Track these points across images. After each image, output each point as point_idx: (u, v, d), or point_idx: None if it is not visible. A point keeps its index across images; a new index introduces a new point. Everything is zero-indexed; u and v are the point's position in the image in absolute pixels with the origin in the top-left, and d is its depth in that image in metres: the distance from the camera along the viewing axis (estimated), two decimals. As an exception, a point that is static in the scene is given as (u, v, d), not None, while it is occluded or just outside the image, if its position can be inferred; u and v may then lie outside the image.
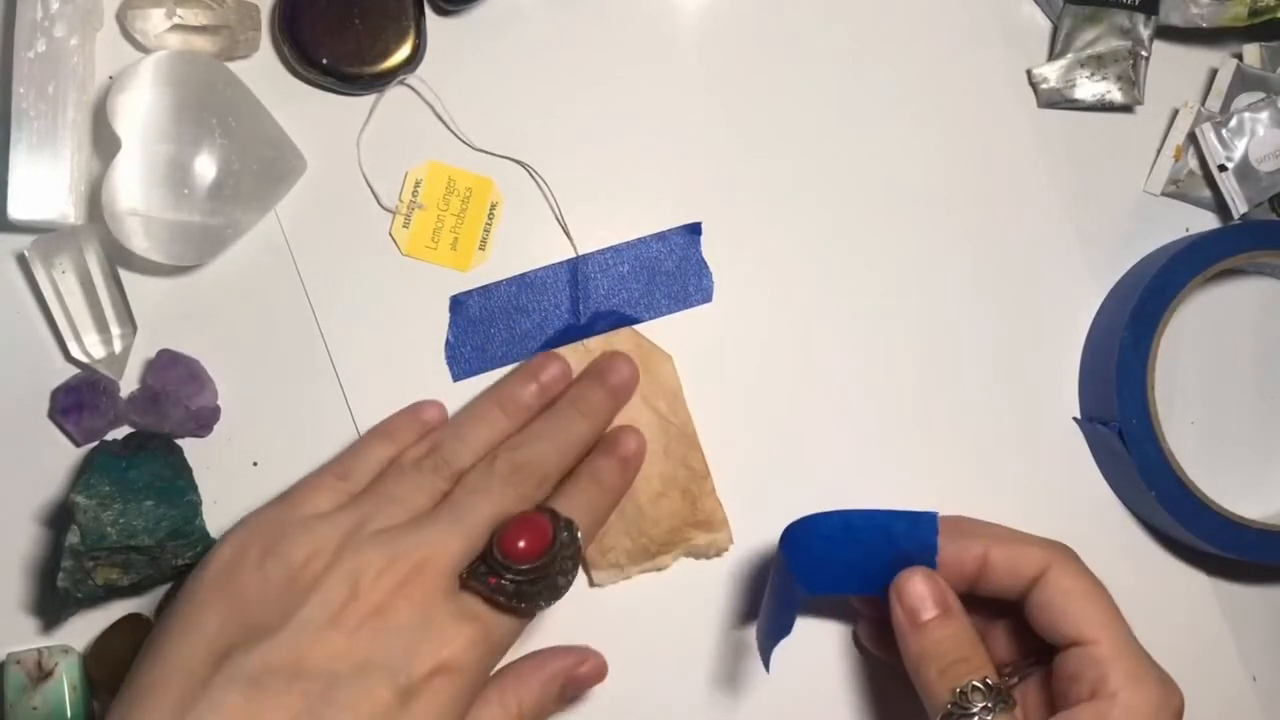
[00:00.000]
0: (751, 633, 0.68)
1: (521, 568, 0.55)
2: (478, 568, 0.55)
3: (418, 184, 0.67)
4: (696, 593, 0.68)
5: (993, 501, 0.68)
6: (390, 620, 0.53)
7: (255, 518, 0.58)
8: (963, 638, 0.57)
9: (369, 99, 0.68)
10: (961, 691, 0.55)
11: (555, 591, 0.56)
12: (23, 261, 0.65)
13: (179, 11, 0.65)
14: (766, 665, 0.59)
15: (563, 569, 0.56)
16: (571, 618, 0.66)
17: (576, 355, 0.67)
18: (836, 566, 0.59)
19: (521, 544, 0.55)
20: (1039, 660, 0.61)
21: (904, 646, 0.58)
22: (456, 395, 0.67)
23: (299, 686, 0.51)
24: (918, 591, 0.58)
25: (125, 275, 0.65)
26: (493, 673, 0.58)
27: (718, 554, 0.68)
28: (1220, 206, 0.72)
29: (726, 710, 0.68)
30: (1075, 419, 0.71)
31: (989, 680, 0.55)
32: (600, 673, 0.64)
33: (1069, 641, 0.57)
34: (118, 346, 0.64)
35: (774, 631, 0.59)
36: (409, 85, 0.68)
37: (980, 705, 0.54)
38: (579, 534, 0.58)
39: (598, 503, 0.63)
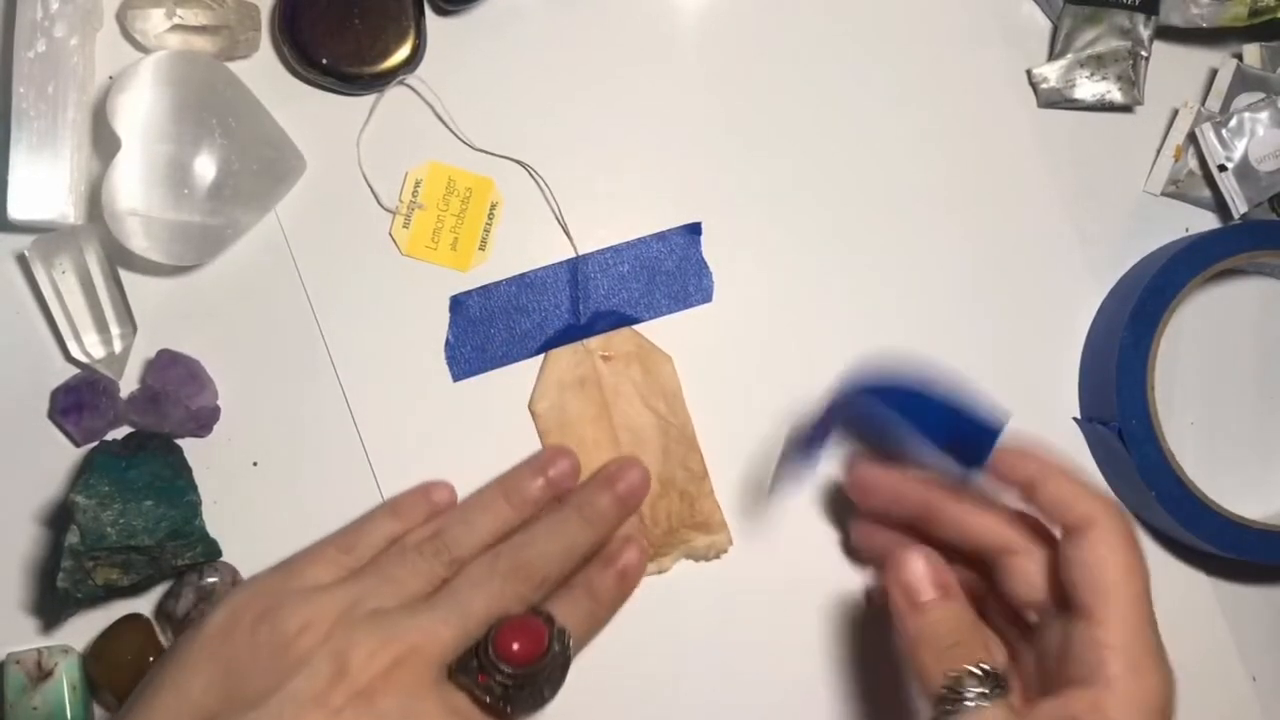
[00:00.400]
0: (752, 634, 0.68)
1: (511, 670, 0.54)
2: (468, 662, 0.55)
3: (418, 184, 0.67)
4: (696, 594, 0.68)
5: (993, 501, 0.69)
6: (374, 705, 0.52)
7: (254, 583, 0.58)
8: (960, 620, 0.56)
9: (369, 99, 0.68)
10: (956, 676, 0.54)
11: (540, 701, 0.56)
12: (23, 261, 0.65)
13: (179, 11, 0.65)
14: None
15: (551, 678, 0.56)
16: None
17: (576, 356, 0.67)
18: (891, 422, 0.59)
19: (516, 646, 0.55)
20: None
21: (901, 627, 0.57)
22: (456, 395, 0.67)
23: None
24: (916, 572, 0.57)
25: (125, 275, 0.65)
26: None
27: (717, 555, 0.68)
28: (1220, 206, 0.72)
29: (726, 711, 0.68)
30: (1075, 419, 0.71)
31: (985, 666, 0.54)
32: None
33: (1080, 609, 0.55)
34: (118, 346, 0.64)
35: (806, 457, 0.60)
36: (409, 85, 0.68)
37: (976, 691, 0.53)
38: (570, 644, 0.57)
39: (593, 615, 0.62)
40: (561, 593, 0.61)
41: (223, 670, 0.53)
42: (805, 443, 0.61)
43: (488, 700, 0.54)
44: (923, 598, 0.57)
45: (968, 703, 0.53)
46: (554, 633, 0.56)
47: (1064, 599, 0.56)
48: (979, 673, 0.54)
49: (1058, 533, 0.57)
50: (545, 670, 0.55)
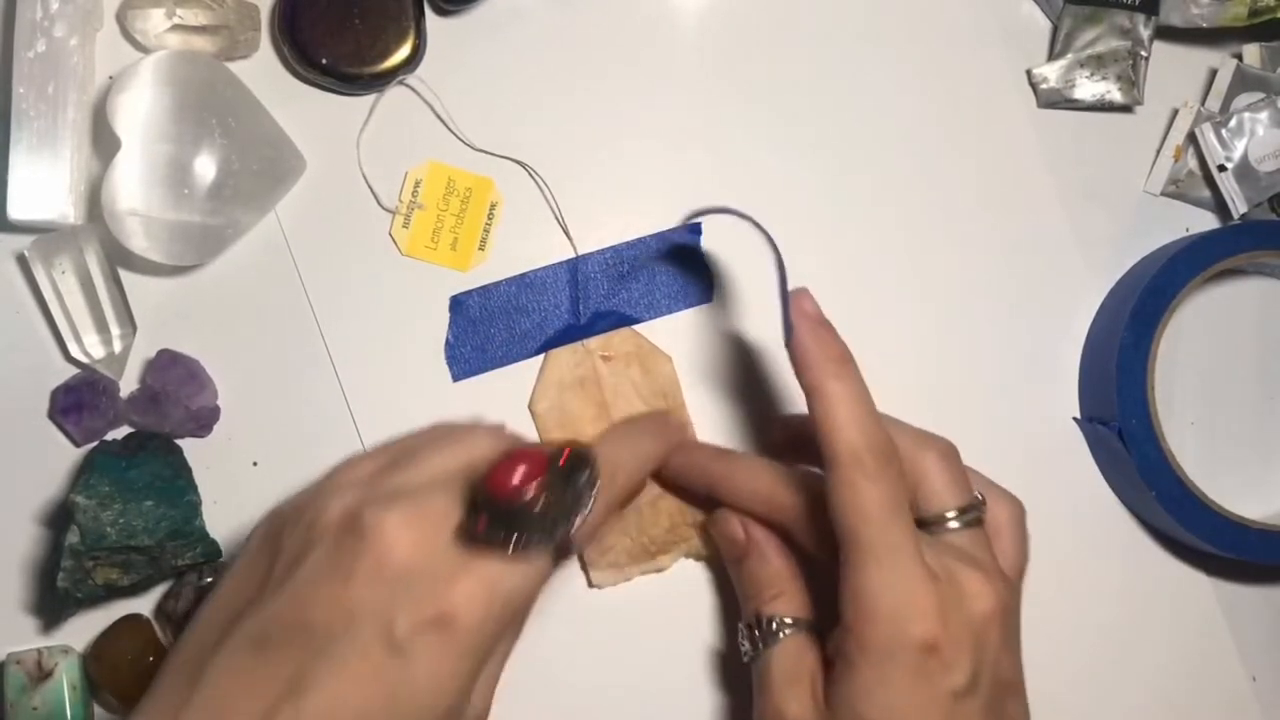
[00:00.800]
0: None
1: (503, 504, 0.51)
2: (470, 513, 0.52)
3: (417, 184, 0.67)
4: (696, 593, 0.68)
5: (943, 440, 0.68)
6: (388, 571, 0.50)
7: (293, 495, 0.57)
8: (774, 569, 0.61)
9: (369, 99, 0.68)
10: (760, 613, 0.60)
11: (550, 531, 0.52)
12: (23, 261, 0.65)
13: (179, 11, 0.65)
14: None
15: (566, 505, 0.52)
16: (570, 618, 0.66)
17: (576, 356, 0.67)
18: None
19: (513, 477, 0.52)
20: None
21: (730, 573, 0.64)
22: (456, 395, 0.67)
23: (297, 641, 0.49)
24: (735, 530, 0.63)
25: (125, 275, 0.65)
26: None
27: (718, 554, 0.68)
28: (1220, 206, 0.72)
29: (726, 711, 0.68)
30: (1075, 419, 0.71)
31: (789, 613, 0.59)
32: None
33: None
34: (117, 346, 0.64)
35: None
36: (408, 85, 0.68)
37: (776, 626, 0.59)
38: (596, 467, 0.54)
39: (636, 442, 0.61)
40: (598, 436, 0.61)
41: (254, 571, 0.53)
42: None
43: (494, 545, 0.51)
44: (728, 556, 0.63)
45: (762, 640, 0.59)
46: (555, 457, 0.53)
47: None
48: (779, 615, 0.59)
49: None
50: (552, 494, 0.52)
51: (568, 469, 0.53)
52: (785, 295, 0.57)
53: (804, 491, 0.59)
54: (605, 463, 0.55)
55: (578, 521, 0.52)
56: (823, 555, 0.58)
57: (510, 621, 0.53)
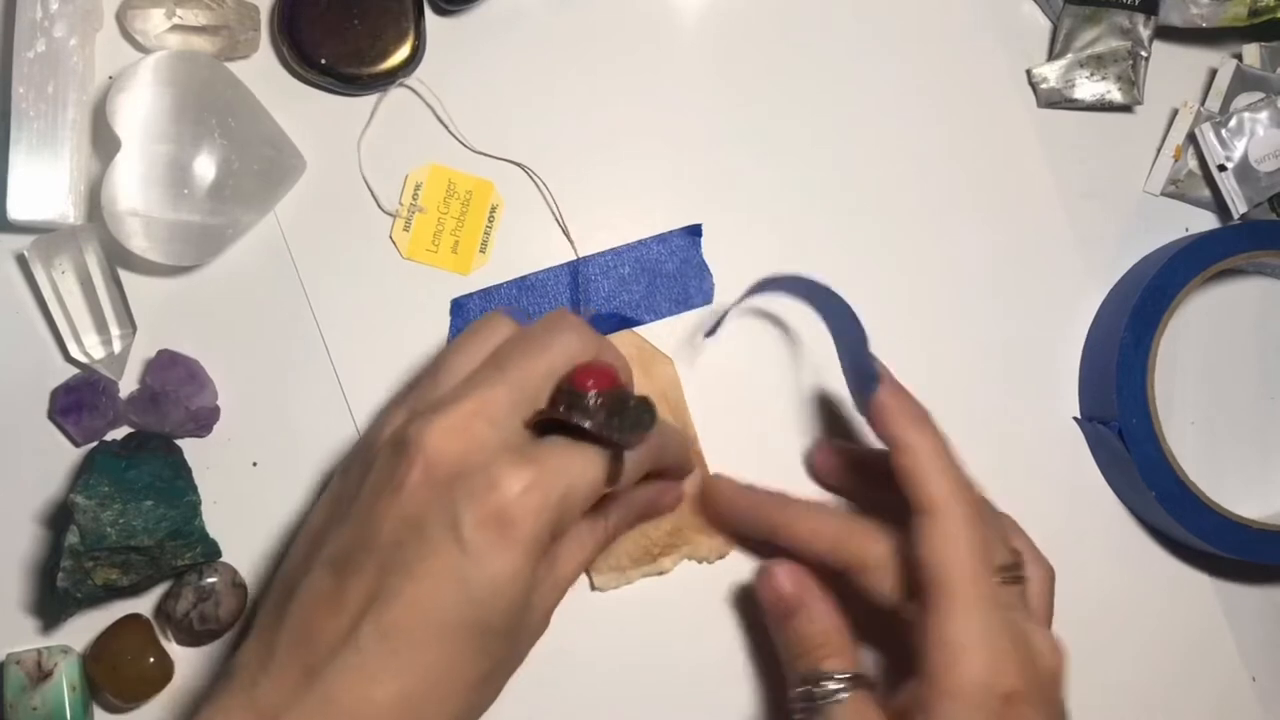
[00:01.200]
0: (753, 635, 0.68)
1: (584, 394, 0.53)
2: (552, 408, 0.54)
3: (418, 187, 0.67)
4: (698, 596, 0.68)
5: (992, 501, 0.68)
6: (441, 473, 0.52)
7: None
8: (821, 626, 0.60)
9: (368, 99, 0.68)
10: (813, 678, 0.58)
11: (622, 425, 0.53)
12: (22, 261, 0.65)
13: (179, 11, 0.65)
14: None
15: (632, 415, 0.54)
16: (573, 621, 0.66)
17: (576, 355, 0.67)
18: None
19: (590, 381, 0.54)
20: None
21: (772, 632, 0.63)
22: (456, 395, 0.67)
23: (370, 559, 0.51)
24: (779, 583, 0.62)
25: (125, 275, 0.65)
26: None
27: (719, 557, 0.68)
28: (1220, 206, 0.72)
29: (726, 711, 0.68)
30: (1075, 419, 0.71)
31: (838, 669, 0.58)
32: (678, 500, 0.66)
33: (921, 599, 0.57)
34: (117, 346, 0.64)
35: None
36: (408, 87, 0.68)
37: (831, 688, 0.57)
38: (654, 410, 0.56)
39: (676, 439, 0.63)
40: None
41: (332, 503, 0.55)
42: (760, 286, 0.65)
43: (588, 425, 0.53)
44: (776, 611, 0.62)
45: (822, 701, 0.57)
46: (627, 382, 0.57)
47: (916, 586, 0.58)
48: (834, 673, 0.58)
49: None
50: (622, 401, 0.54)
51: (633, 398, 0.55)
52: (860, 355, 0.61)
53: (875, 537, 0.61)
54: (660, 424, 0.57)
55: (634, 439, 0.54)
56: (889, 602, 0.59)
57: (567, 521, 0.53)
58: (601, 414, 0.53)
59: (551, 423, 0.53)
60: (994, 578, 0.56)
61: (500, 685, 0.55)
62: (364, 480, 0.54)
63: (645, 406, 0.55)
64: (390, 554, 0.51)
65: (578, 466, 0.53)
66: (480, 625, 0.51)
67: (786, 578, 0.62)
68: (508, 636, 0.52)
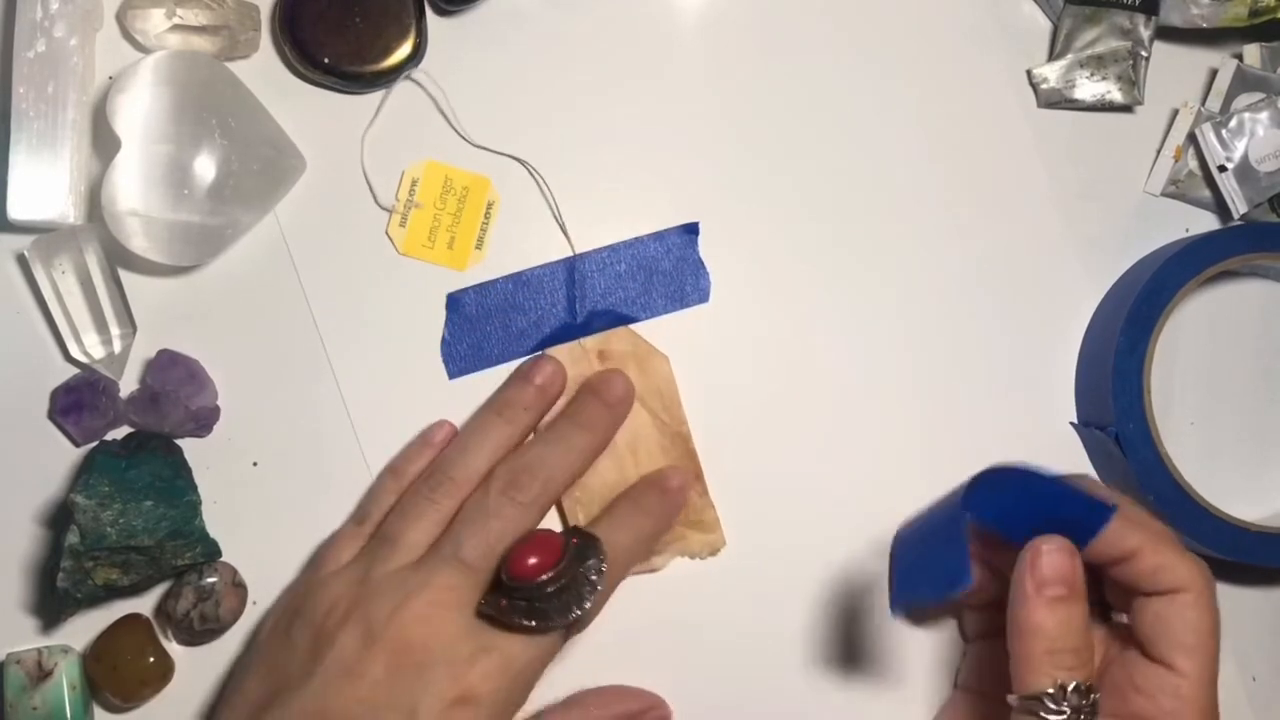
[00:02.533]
0: (746, 632, 0.68)
1: (527, 586, 0.55)
2: (490, 594, 0.56)
3: (414, 183, 0.67)
4: (690, 592, 0.68)
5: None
6: (404, 662, 0.53)
7: (290, 585, 0.62)
8: (1081, 626, 0.55)
9: (367, 98, 0.68)
10: (1062, 685, 0.54)
11: (567, 609, 0.56)
12: (23, 261, 0.65)
13: (179, 11, 0.65)
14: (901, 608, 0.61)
15: (579, 585, 0.56)
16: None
17: (573, 355, 0.67)
18: (1004, 518, 0.58)
19: (531, 561, 0.55)
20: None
21: (1018, 612, 0.56)
22: (453, 393, 0.67)
23: None
24: (1055, 565, 0.56)
25: (125, 275, 0.65)
26: (562, 701, 0.61)
27: (712, 554, 0.68)
28: (1220, 207, 0.72)
29: (720, 708, 0.68)
30: (1072, 423, 0.71)
31: (1089, 685, 0.54)
32: None
33: (1160, 660, 0.57)
34: (117, 346, 0.64)
35: (947, 579, 0.56)
36: (415, 80, 0.68)
37: (1073, 705, 0.53)
38: (602, 550, 0.58)
39: (636, 524, 0.63)
40: (601, 512, 0.64)
41: (270, 668, 0.57)
42: (944, 562, 0.59)
43: (516, 622, 0.55)
44: (1052, 592, 0.55)
45: (1064, 714, 0.53)
46: (568, 541, 0.57)
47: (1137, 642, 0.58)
48: (1082, 689, 0.54)
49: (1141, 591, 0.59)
50: (569, 575, 0.56)
51: (577, 554, 0.57)
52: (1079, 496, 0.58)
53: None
54: (610, 547, 0.59)
55: (589, 602, 0.56)
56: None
57: (525, 691, 0.56)
58: (550, 601, 0.56)
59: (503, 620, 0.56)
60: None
61: None
62: (317, 655, 0.55)
63: (595, 561, 0.57)
64: None
65: (533, 650, 0.56)
66: None
67: (1068, 559, 0.56)
68: None
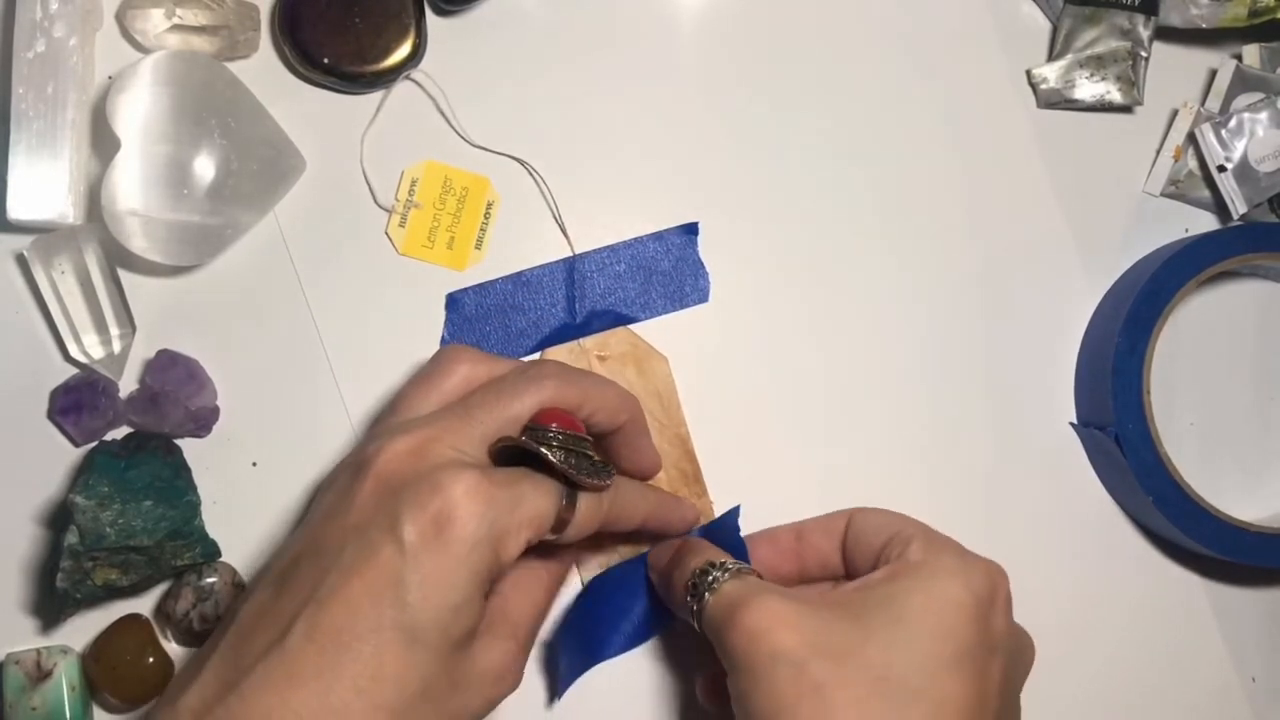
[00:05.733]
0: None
1: (562, 432, 0.54)
2: (510, 443, 0.54)
3: (414, 183, 0.67)
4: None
5: (988, 506, 0.69)
6: (389, 485, 0.51)
7: None
8: (700, 554, 0.60)
9: (367, 98, 0.68)
10: (691, 582, 0.57)
11: (569, 463, 0.54)
12: (22, 261, 0.65)
13: (178, 11, 0.65)
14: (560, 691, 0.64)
15: (584, 464, 0.55)
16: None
17: (572, 355, 0.67)
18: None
19: (555, 423, 0.54)
20: None
21: (663, 597, 0.63)
22: (454, 394, 0.67)
23: (311, 561, 0.51)
24: (655, 553, 0.64)
25: (125, 275, 0.65)
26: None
27: (712, 555, 0.68)
28: (1220, 207, 0.72)
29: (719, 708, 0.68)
30: (1072, 424, 0.71)
31: (712, 562, 0.58)
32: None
33: (881, 543, 0.58)
34: (117, 347, 0.64)
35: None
36: (414, 80, 0.68)
37: (716, 573, 0.57)
38: (613, 470, 0.56)
39: (641, 492, 0.62)
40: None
41: (310, 533, 0.54)
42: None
43: (546, 453, 0.53)
44: (664, 560, 0.62)
45: (708, 581, 0.57)
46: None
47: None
48: (714, 565, 0.57)
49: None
50: (592, 448, 0.55)
51: (597, 453, 0.56)
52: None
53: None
54: (619, 482, 0.58)
55: (589, 483, 0.54)
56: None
57: (507, 539, 0.52)
58: (561, 450, 0.54)
59: (513, 454, 0.54)
60: None
61: None
62: (319, 500, 0.54)
63: (605, 464, 0.56)
64: (331, 559, 0.50)
65: (529, 490, 0.53)
66: (409, 630, 0.49)
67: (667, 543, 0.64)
68: (438, 655, 0.50)
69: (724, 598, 0.56)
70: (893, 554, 0.57)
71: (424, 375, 0.58)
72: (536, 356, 0.68)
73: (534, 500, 0.53)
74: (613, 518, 0.58)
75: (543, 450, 0.53)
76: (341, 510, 0.52)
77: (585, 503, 0.55)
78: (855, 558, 0.60)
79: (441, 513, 0.50)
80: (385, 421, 0.57)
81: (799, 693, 0.51)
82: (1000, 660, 0.54)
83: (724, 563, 0.58)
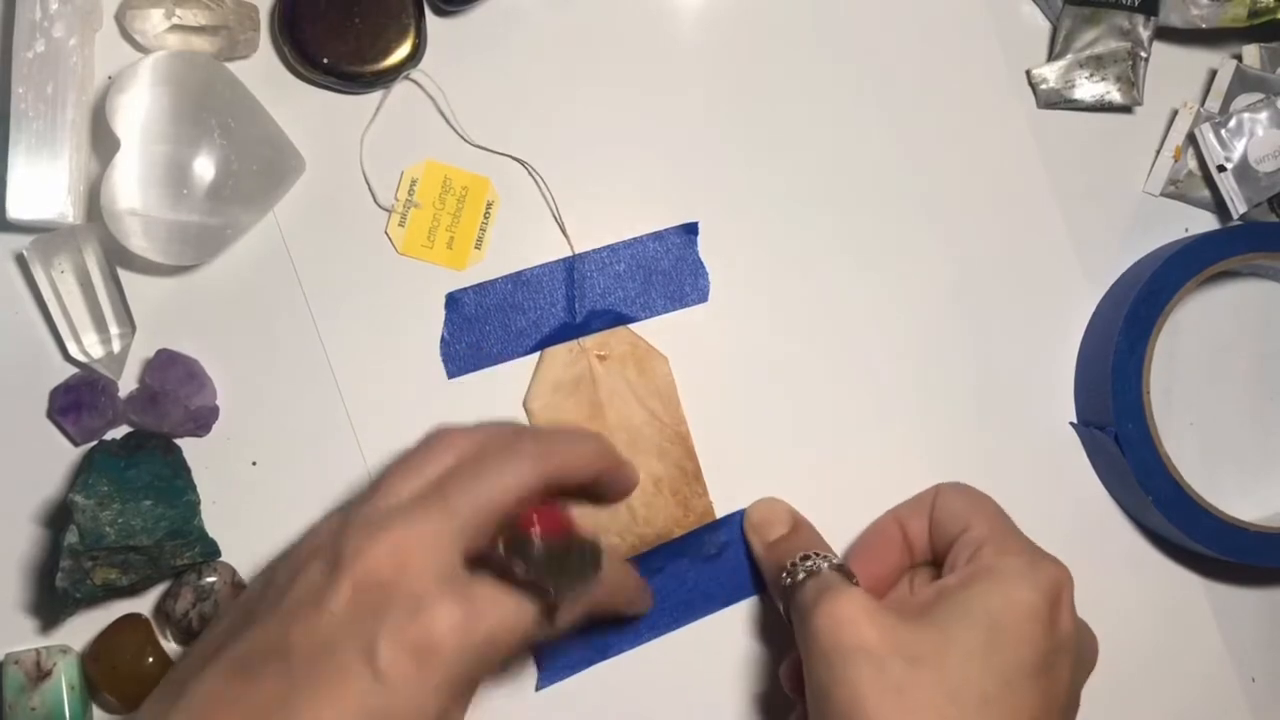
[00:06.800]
0: (742, 632, 0.68)
1: (543, 544, 0.52)
2: (490, 550, 0.52)
3: (414, 183, 0.67)
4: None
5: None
6: (367, 597, 0.50)
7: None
8: (810, 542, 0.64)
9: (366, 98, 0.68)
10: (792, 563, 0.60)
11: (556, 579, 0.52)
12: (22, 261, 0.65)
13: (178, 12, 0.65)
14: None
15: (570, 571, 0.54)
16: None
17: (571, 354, 0.67)
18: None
19: (538, 525, 0.53)
20: None
21: (760, 565, 0.66)
22: (452, 392, 0.67)
23: (279, 666, 0.49)
24: (765, 513, 0.67)
25: (124, 275, 0.65)
26: None
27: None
28: (1219, 207, 0.72)
29: (716, 708, 0.68)
30: (1071, 423, 0.71)
31: (816, 551, 0.61)
32: None
33: (957, 534, 0.62)
34: (116, 346, 0.64)
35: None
36: (414, 80, 0.68)
37: (813, 563, 0.60)
38: (603, 560, 0.55)
39: (633, 580, 0.64)
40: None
41: (244, 606, 0.54)
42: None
43: (523, 573, 0.52)
44: (774, 535, 0.66)
45: (807, 565, 0.60)
46: (576, 529, 0.56)
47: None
48: (813, 555, 0.60)
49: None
50: (576, 549, 0.54)
51: (580, 543, 0.55)
52: None
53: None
54: (608, 568, 0.57)
55: (576, 590, 0.54)
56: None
57: (492, 664, 0.52)
58: (541, 561, 0.52)
59: (490, 562, 0.53)
60: None
61: None
62: (287, 585, 0.52)
63: (591, 553, 0.55)
64: (302, 669, 0.49)
65: (509, 611, 0.52)
66: None
67: (775, 505, 0.68)
68: None
69: (819, 583, 0.58)
70: (964, 556, 0.60)
71: (411, 459, 0.57)
72: (536, 356, 0.68)
73: (515, 623, 0.52)
74: (602, 603, 0.59)
75: (521, 572, 0.52)
76: (312, 609, 0.51)
77: (568, 606, 0.54)
78: (937, 540, 0.64)
79: (420, 644, 0.49)
80: (365, 505, 0.55)
81: (879, 691, 0.53)
82: (1068, 660, 0.56)
83: (827, 554, 0.61)
